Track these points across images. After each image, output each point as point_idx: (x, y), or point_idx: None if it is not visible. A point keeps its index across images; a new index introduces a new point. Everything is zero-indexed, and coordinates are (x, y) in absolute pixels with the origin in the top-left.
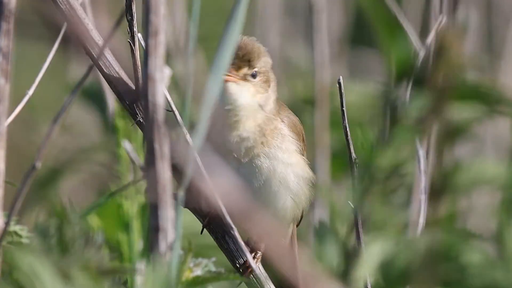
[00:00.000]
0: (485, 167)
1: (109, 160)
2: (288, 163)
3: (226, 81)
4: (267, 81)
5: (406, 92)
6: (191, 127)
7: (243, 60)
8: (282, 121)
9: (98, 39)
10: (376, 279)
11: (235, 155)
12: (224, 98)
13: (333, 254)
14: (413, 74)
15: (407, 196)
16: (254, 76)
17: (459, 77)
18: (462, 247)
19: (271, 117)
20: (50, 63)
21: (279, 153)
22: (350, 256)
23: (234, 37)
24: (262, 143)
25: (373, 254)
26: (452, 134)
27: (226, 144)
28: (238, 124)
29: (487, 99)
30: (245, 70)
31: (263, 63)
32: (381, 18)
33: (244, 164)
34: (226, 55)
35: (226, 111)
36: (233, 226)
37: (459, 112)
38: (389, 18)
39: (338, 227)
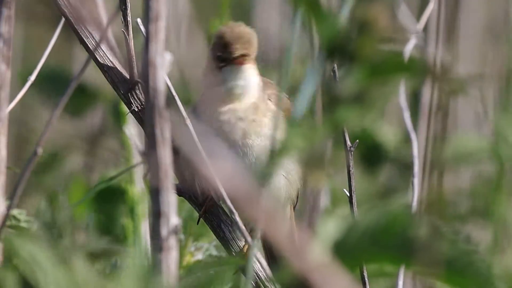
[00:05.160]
0: (466, 142)
1: (116, 145)
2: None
3: (243, 63)
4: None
5: (335, 68)
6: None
7: (250, 44)
8: (269, 99)
9: (92, 28)
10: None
11: (227, 135)
12: (239, 80)
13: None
14: (340, 50)
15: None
16: (253, 59)
17: (384, 51)
18: (408, 221)
19: (262, 96)
20: (56, 48)
21: (269, 131)
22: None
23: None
24: (254, 121)
25: (326, 232)
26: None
27: (219, 125)
28: (236, 104)
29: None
30: (252, 54)
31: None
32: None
33: (235, 143)
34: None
35: (230, 91)
36: (233, 210)
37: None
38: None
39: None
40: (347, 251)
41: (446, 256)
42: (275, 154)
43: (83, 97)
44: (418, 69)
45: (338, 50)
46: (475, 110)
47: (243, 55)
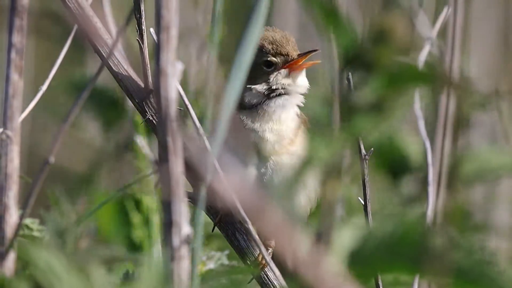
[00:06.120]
0: (490, 155)
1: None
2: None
3: (302, 68)
4: None
5: (353, 78)
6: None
7: (295, 46)
8: (299, 118)
9: (106, 37)
10: (346, 267)
11: (259, 153)
12: (300, 83)
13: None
14: (357, 60)
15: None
16: None
17: (401, 60)
18: (426, 231)
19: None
20: (68, 57)
21: (300, 150)
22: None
23: (256, 33)
24: (291, 140)
25: (341, 242)
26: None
27: (254, 142)
28: (283, 121)
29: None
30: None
31: None
32: (322, 9)
33: (266, 161)
34: (248, 52)
35: (280, 101)
36: (247, 220)
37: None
38: (329, 7)
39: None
40: (363, 261)
41: (461, 265)
42: (299, 171)
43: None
44: (434, 79)
45: (355, 59)
46: (489, 121)
47: (300, 56)
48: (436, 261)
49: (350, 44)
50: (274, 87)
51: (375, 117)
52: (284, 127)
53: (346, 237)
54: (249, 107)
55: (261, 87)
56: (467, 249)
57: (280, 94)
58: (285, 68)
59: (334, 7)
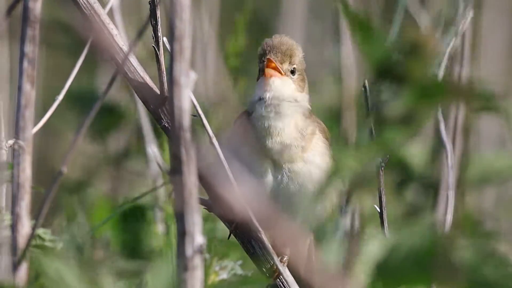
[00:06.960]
0: (493, 160)
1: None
2: (322, 168)
3: (271, 75)
4: (303, 80)
5: (386, 90)
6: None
7: (285, 54)
8: (315, 125)
9: (122, 44)
10: (373, 277)
11: (274, 160)
12: (266, 93)
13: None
14: (390, 72)
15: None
16: (293, 72)
17: (433, 74)
18: (451, 243)
19: (308, 120)
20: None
21: (316, 157)
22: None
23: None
24: (302, 147)
25: (370, 251)
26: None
27: (265, 150)
28: (280, 130)
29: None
30: (286, 65)
31: (301, 60)
32: (355, 21)
33: (281, 168)
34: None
35: (267, 111)
36: (260, 229)
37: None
38: (363, 20)
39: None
40: (390, 273)
41: (490, 279)
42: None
43: (108, 118)
44: (463, 93)
45: (387, 72)
46: (498, 127)
47: (271, 63)
48: (464, 273)
49: (382, 57)
50: (256, 93)
51: (405, 129)
52: (284, 134)
53: (373, 248)
54: (252, 114)
55: (253, 95)
56: (496, 262)
57: (264, 101)
58: (262, 75)
59: (367, 19)
